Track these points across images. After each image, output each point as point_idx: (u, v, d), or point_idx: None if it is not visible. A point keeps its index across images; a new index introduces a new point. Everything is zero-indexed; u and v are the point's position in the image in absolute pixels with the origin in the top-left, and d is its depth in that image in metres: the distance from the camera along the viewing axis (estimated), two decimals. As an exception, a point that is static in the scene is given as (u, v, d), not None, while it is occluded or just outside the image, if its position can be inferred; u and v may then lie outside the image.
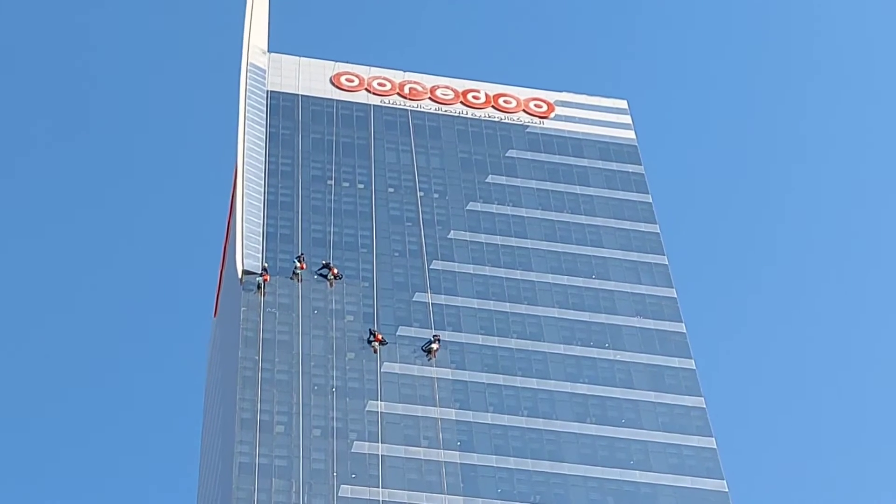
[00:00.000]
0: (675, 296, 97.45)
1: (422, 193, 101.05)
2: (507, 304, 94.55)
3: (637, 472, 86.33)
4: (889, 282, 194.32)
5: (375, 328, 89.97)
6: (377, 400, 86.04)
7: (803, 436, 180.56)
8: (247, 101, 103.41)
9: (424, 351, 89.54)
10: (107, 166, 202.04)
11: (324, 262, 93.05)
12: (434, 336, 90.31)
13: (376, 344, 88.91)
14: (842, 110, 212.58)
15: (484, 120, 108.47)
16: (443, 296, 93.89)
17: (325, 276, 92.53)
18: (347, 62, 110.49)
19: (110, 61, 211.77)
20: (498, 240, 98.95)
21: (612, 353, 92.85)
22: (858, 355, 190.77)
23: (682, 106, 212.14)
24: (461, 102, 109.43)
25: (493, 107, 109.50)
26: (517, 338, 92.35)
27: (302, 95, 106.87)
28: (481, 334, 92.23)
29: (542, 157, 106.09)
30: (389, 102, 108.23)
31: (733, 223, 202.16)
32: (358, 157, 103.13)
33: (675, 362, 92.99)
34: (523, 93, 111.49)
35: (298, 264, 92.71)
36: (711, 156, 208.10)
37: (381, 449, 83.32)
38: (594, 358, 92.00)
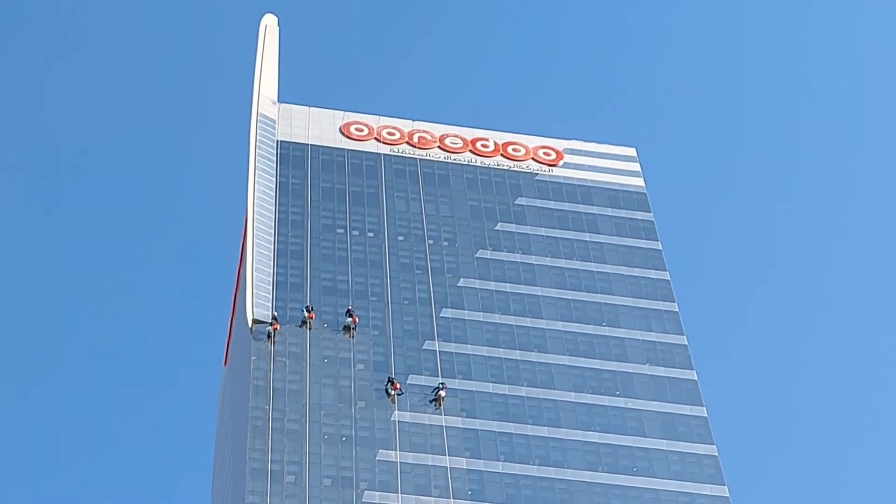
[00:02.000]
0: (686, 343, 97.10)
1: (431, 241, 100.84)
2: (518, 351, 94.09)
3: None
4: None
5: (393, 376, 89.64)
6: (388, 449, 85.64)
7: (820, 483, 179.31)
8: (257, 150, 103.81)
9: (431, 401, 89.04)
10: (117, 217, 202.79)
11: (348, 308, 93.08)
12: (440, 384, 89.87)
13: (394, 393, 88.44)
14: (853, 150, 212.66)
15: (493, 168, 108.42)
16: (453, 343, 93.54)
17: (348, 327, 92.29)
18: (357, 112, 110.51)
19: (121, 113, 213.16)
20: (508, 287, 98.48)
21: (623, 400, 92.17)
22: (869, 385, 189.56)
23: (691, 153, 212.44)
24: (470, 151, 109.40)
25: (502, 155, 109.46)
26: (528, 385, 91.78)
27: (312, 145, 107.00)
28: (492, 382, 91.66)
29: (552, 204, 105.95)
30: (399, 151, 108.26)
31: (743, 270, 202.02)
32: (368, 205, 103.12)
33: (687, 410, 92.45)
34: (532, 141, 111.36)
35: (307, 314, 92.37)
36: (721, 203, 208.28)
37: (391, 499, 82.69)
38: (605, 406, 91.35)
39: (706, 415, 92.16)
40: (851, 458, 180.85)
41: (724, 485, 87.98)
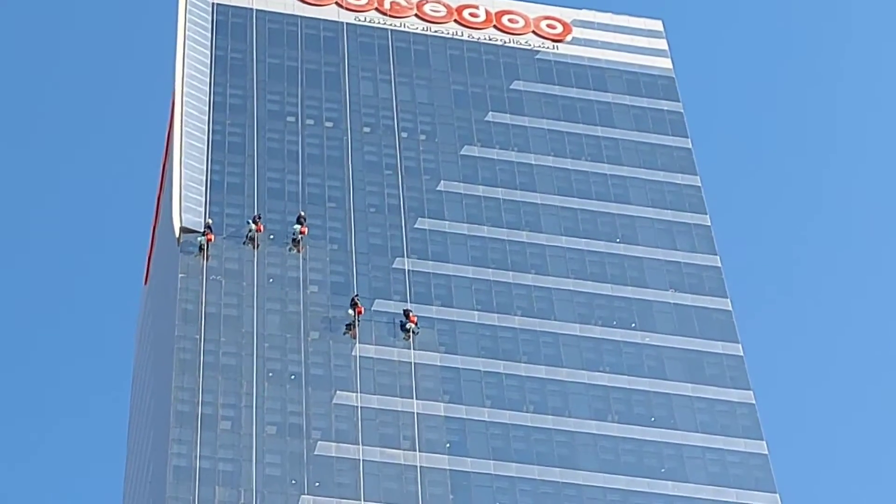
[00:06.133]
0: (720, 264, 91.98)
1: (405, 134, 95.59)
2: (510, 272, 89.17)
3: (670, 482, 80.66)
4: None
5: (357, 299, 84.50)
6: (347, 391, 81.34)
7: (865, 424, 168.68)
8: (187, 16, 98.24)
9: (403, 329, 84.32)
10: (20, 97, 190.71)
11: (299, 213, 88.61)
12: (405, 311, 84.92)
13: (356, 319, 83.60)
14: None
15: (483, 43, 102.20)
16: (430, 262, 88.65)
17: (297, 240, 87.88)
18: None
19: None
20: (499, 193, 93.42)
21: (640, 335, 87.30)
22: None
23: (729, 29, 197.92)
24: (455, 21, 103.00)
25: (495, 27, 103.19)
26: (522, 315, 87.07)
27: (257, 10, 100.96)
28: (478, 310, 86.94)
29: (556, 90, 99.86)
30: (366, 20, 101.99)
31: (790, 176, 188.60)
32: (326, 88, 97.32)
33: (719, 347, 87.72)
34: (533, 10, 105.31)
35: (254, 226, 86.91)
36: (766, 90, 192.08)
37: (350, 451, 78.56)
38: (617, 341, 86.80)
39: (742, 353, 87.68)
40: (885, 404, 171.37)
41: (763, 439, 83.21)
